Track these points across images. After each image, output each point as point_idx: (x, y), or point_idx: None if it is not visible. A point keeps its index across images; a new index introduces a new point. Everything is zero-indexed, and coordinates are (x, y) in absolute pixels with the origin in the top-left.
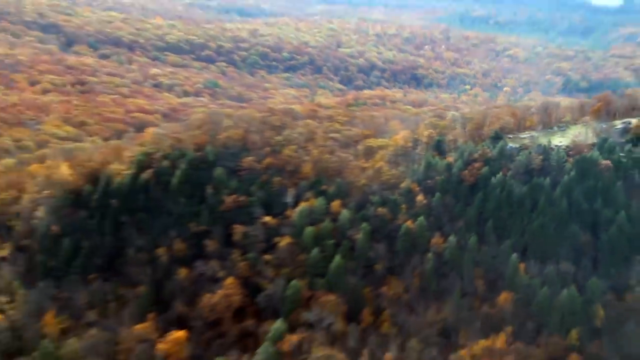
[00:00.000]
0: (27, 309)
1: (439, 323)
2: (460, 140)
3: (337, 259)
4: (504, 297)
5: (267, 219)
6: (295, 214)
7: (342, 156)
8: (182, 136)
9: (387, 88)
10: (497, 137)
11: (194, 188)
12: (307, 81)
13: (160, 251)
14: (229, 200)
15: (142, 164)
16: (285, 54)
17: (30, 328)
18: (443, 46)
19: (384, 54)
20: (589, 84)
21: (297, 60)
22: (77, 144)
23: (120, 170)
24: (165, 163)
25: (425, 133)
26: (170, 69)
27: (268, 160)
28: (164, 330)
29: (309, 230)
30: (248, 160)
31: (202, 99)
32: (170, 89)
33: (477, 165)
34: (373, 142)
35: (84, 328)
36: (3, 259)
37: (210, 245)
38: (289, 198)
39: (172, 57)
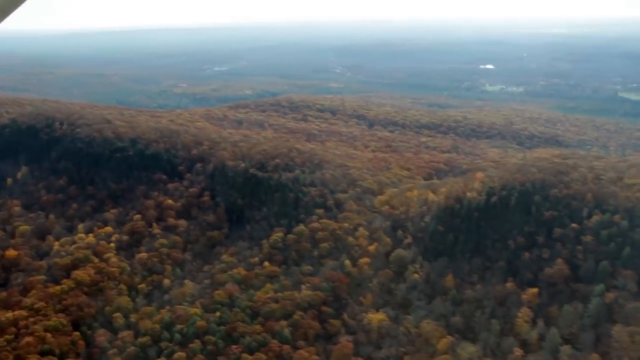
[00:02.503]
0: (431, 276)
1: None
2: None
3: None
4: None
5: (574, 225)
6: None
7: None
8: (507, 175)
9: None
10: None
11: (524, 207)
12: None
13: (510, 242)
14: (547, 214)
15: (490, 191)
16: (484, 129)
17: (439, 283)
18: None
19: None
20: None
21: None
22: (417, 180)
23: (473, 195)
24: (504, 192)
25: None
26: (426, 138)
27: (564, 191)
28: (520, 288)
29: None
30: (553, 191)
31: (452, 154)
32: (433, 148)
33: None
34: None
35: (469, 286)
36: (409, 245)
37: (539, 239)
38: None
39: (426, 131)
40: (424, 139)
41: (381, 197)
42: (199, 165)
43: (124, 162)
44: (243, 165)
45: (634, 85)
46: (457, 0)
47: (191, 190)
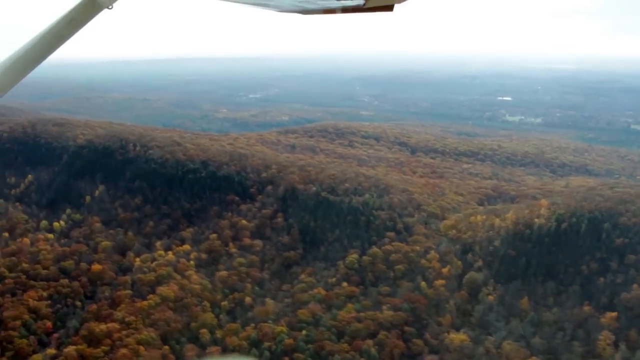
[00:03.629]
0: (507, 298)
1: None
2: None
3: None
4: None
5: None
6: None
7: None
8: (574, 203)
9: None
10: None
11: (594, 234)
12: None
13: (583, 268)
14: (618, 240)
15: (560, 218)
16: (519, 157)
17: (515, 305)
18: None
19: None
20: None
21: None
22: (471, 205)
23: (541, 222)
24: (574, 219)
25: None
26: (467, 165)
27: (633, 219)
28: (598, 312)
29: None
30: (622, 219)
31: (494, 181)
32: (476, 175)
33: None
34: None
35: (545, 308)
36: (480, 268)
37: (613, 264)
38: None
39: (465, 159)
40: (465, 166)
41: (447, 222)
42: (269, 187)
43: (197, 183)
44: (314, 188)
45: None
46: (468, 34)
47: (264, 211)
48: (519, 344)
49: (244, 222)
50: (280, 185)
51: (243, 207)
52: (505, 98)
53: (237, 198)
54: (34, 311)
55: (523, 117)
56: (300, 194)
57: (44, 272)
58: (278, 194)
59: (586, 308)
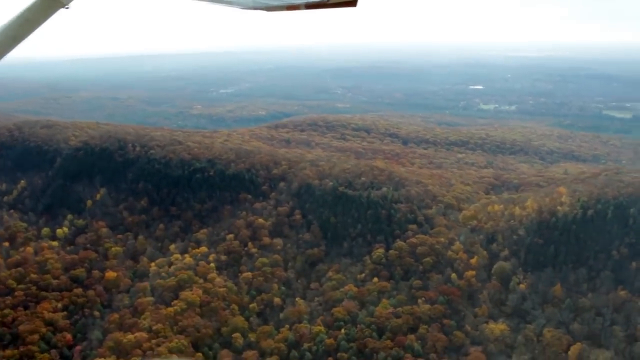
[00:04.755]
0: (539, 286)
1: None
2: None
3: None
4: None
5: None
6: None
7: None
8: (596, 190)
9: None
10: None
11: (621, 219)
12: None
13: (614, 253)
14: None
15: (585, 205)
16: (507, 145)
17: (549, 293)
18: None
19: None
20: None
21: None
22: (480, 195)
23: (565, 209)
24: (599, 206)
25: None
26: (461, 155)
27: None
28: (634, 296)
29: None
30: None
31: (491, 170)
32: (472, 164)
33: None
34: None
35: (580, 295)
36: (506, 257)
37: None
38: None
39: (456, 148)
40: (459, 155)
41: (466, 212)
42: (282, 184)
43: (205, 182)
44: (331, 183)
45: (614, 103)
46: (435, 23)
47: (280, 209)
48: (560, 331)
49: (260, 220)
50: (293, 182)
51: (257, 205)
52: (477, 87)
53: (249, 196)
54: (50, 323)
55: (497, 105)
56: (316, 190)
57: (55, 282)
58: (292, 191)
59: (621, 293)
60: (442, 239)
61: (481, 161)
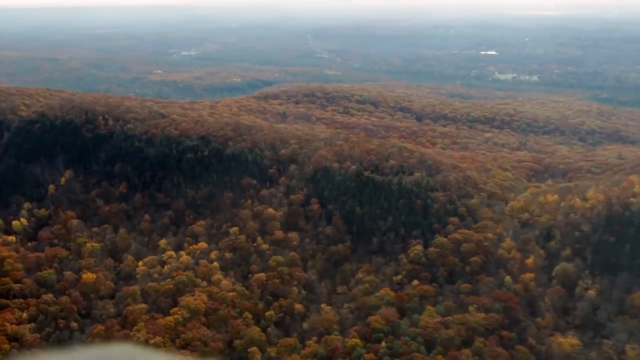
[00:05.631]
0: (613, 292)
1: None
2: None
3: None
4: None
5: None
6: None
7: None
8: None
9: None
10: None
11: None
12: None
13: None
14: None
15: None
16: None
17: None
18: None
19: None
20: None
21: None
22: (522, 182)
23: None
24: None
25: None
26: (489, 134)
27: None
28: None
29: None
30: None
31: (525, 152)
32: (502, 146)
33: None
34: None
35: None
36: (568, 257)
37: None
38: None
39: (480, 126)
40: (487, 135)
41: (514, 204)
42: (293, 167)
43: (199, 164)
44: (354, 167)
45: None
46: None
47: (292, 197)
48: None
49: (270, 210)
50: (306, 164)
51: (264, 192)
52: (489, 52)
53: (254, 181)
54: (14, 339)
55: (516, 75)
56: (336, 174)
57: (17, 286)
58: (306, 175)
59: None
60: (490, 235)
61: (512, 142)
